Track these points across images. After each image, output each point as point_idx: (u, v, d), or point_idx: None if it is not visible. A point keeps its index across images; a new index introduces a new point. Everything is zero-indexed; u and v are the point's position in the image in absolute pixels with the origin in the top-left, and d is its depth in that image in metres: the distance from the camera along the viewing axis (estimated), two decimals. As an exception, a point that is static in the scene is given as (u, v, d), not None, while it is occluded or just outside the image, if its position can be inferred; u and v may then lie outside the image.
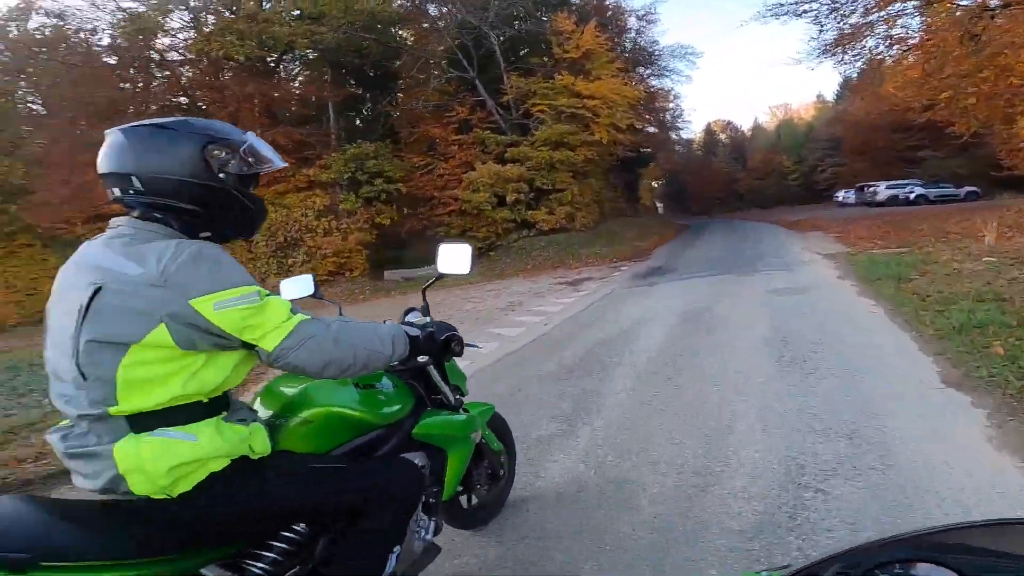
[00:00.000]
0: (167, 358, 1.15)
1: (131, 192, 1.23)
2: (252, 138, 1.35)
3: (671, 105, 38.35)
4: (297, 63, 21.69)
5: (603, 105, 19.07)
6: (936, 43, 13.75)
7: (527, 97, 19.87)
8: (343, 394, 1.61)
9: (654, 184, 52.12)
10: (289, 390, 1.59)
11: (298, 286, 2.08)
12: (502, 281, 14.30)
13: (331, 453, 1.54)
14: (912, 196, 25.83)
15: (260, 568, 1.36)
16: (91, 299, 1.13)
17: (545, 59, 20.89)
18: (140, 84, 17.18)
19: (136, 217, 1.25)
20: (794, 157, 47.70)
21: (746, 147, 56.22)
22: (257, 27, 17.30)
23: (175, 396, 1.16)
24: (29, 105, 19.94)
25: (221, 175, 1.27)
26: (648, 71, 32.22)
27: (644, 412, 3.64)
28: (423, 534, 1.75)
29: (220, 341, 1.19)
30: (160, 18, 17.56)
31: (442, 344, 1.69)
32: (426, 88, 20.06)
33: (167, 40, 17.82)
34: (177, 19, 17.93)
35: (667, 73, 32.61)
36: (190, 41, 16.96)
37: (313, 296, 2.09)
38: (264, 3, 18.84)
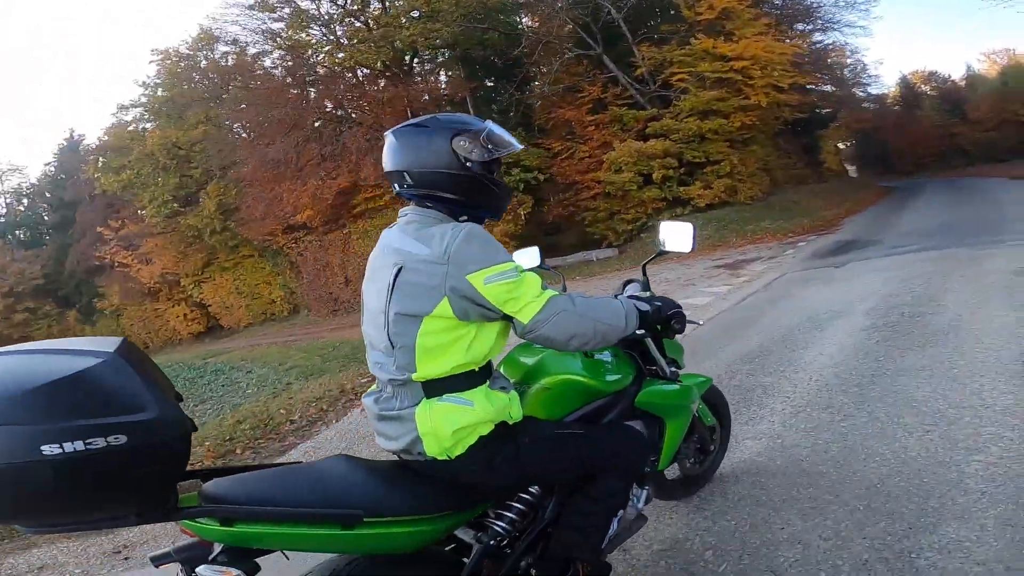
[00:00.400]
0: (449, 328, 1.30)
1: (406, 186, 1.41)
2: (490, 125, 1.44)
3: (849, 60, 32.23)
4: (428, 63, 21.95)
5: (755, 65, 16.13)
6: None
7: (663, 67, 17.65)
8: (574, 363, 1.67)
9: (840, 146, 44.76)
10: (528, 359, 1.67)
11: (527, 257, 2.09)
12: (651, 267, 12.69)
13: (564, 419, 1.62)
14: None
15: (501, 527, 1.51)
16: (395, 277, 1.31)
17: (678, 25, 18.32)
18: (302, 100, 18.56)
19: (417, 205, 1.43)
20: (1033, 103, 37.38)
21: (962, 97, 45.46)
22: (379, 31, 17.63)
23: (457, 364, 1.32)
24: (233, 129, 22.85)
25: (468, 164, 1.38)
26: (811, 26, 27.10)
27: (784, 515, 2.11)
28: (636, 502, 1.76)
29: (487, 312, 1.31)
30: (301, 34, 18.75)
31: (665, 320, 1.68)
32: (551, 72, 18.88)
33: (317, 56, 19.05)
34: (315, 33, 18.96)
35: (834, 26, 27.13)
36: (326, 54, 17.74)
37: (540, 267, 2.08)
38: (387, 8, 19.00)
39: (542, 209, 18.59)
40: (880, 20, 28.63)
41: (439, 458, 1.32)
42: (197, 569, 1.15)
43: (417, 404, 1.32)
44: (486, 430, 1.34)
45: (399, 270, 1.31)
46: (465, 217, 1.41)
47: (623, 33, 18.56)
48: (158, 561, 1.15)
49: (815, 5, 26.89)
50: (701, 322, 2.64)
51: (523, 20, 20.92)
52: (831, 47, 29.13)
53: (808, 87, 25.25)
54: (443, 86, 21.67)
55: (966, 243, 7.15)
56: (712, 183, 16.52)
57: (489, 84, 21.67)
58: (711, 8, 17.44)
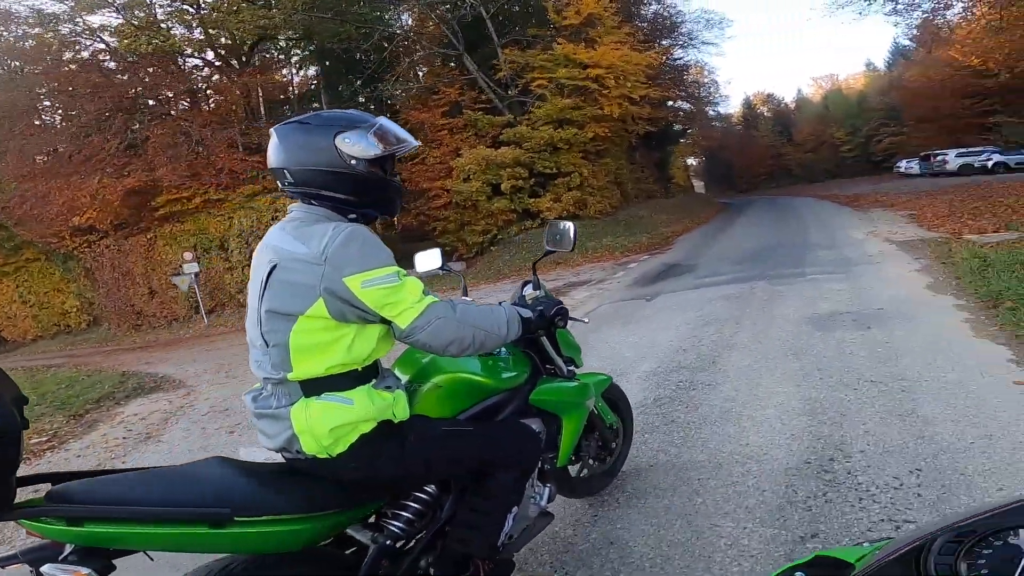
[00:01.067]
0: (326, 328, 1.25)
1: (287, 183, 1.34)
2: (381, 121, 1.37)
3: (705, 80, 34.64)
4: (282, 55, 19.50)
5: (610, 75, 15.98)
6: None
7: (525, 72, 16.98)
8: (468, 362, 1.65)
9: (690, 162, 48.14)
10: (423, 357, 1.63)
11: (428, 259, 2.08)
12: (490, 286, 11.72)
13: (458, 417, 1.59)
14: (990, 164, 22.72)
15: (397, 526, 1.47)
16: (268, 275, 1.27)
17: (545, 29, 17.83)
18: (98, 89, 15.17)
19: (303, 202, 1.36)
20: (846, 128, 43.04)
21: (791, 120, 51.15)
22: (211, 16, 15.10)
23: (337, 364, 1.27)
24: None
25: (353, 161, 1.31)
26: (671, 42, 28.48)
27: None
28: (538, 500, 1.77)
29: (365, 315, 1.27)
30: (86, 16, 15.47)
31: (549, 320, 1.69)
32: (405, 69, 17.47)
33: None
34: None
35: (693, 43, 28.81)
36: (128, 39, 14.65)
37: (441, 269, 2.09)
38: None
39: (391, 218, 17.05)
40: (733, 40, 30.64)
41: (319, 456, 1.28)
42: (42, 568, 1.08)
43: (294, 403, 1.29)
44: (367, 428, 1.30)
45: (273, 268, 1.27)
46: (354, 216, 1.36)
47: (489, 35, 17.59)
48: (3, 562, 1.07)
49: (679, 21, 28.27)
50: (586, 320, 2.53)
51: (395, 15, 19.09)
52: (690, 64, 30.96)
53: (666, 102, 26.43)
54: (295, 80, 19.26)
55: (768, 275, 6.88)
56: (562, 196, 16.08)
57: (354, 80, 19.52)
58: (577, 13, 17.03)
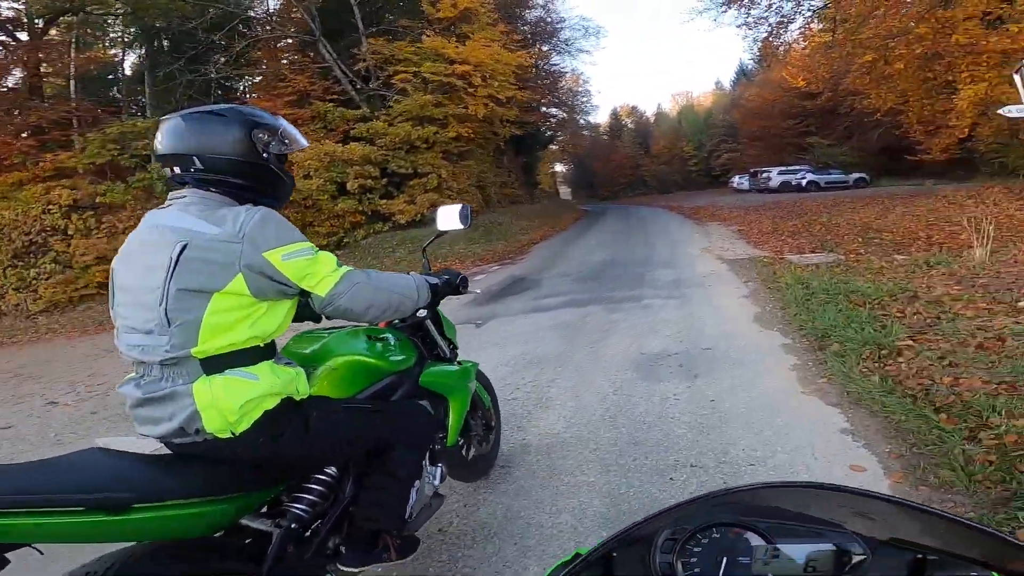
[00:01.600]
0: (240, 306, 1.26)
1: (191, 170, 1.33)
2: (283, 123, 1.45)
3: (579, 88, 35.43)
4: (92, 31, 15.88)
5: (477, 73, 15.13)
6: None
7: (388, 64, 15.51)
8: (360, 345, 1.70)
9: (558, 168, 49.42)
10: (308, 348, 1.65)
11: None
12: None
13: (354, 397, 1.62)
14: (804, 182, 25.02)
15: (300, 509, 1.44)
16: (179, 254, 1.23)
17: (417, 22, 16.47)
18: None
19: (197, 188, 1.34)
20: (694, 143, 46.89)
21: (650, 132, 54.79)
22: None
23: (241, 340, 1.27)
24: None
25: (264, 155, 1.38)
26: (549, 47, 28.57)
27: None
28: (431, 479, 1.82)
29: (284, 288, 1.31)
30: None
31: (455, 287, 1.83)
32: (252, 54, 15.16)
33: None
34: None
35: (569, 50, 29.15)
36: None
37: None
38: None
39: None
40: (606, 50, 31.34)
41: (220, 436, 1.24)
42: None
43: (194, 380, 1.25)
44: (271, 404, 1.30)
45: (184, 247, 1.24)
46: (250, 204, 1.35)
47: (353, 22, 15.73)
48: None
49: (560, 27, 28.21)
50: (478, 291, 2.57)
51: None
52: (565, 72, 31.18)
53: (537, 106, 26.30)
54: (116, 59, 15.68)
55: (606, 297, 6.36)
56: (417, 197, 14.86)
57: (179, 59, 16.36)
58: (453, 6, 15.79)
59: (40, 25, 13.23)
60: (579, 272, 8.64)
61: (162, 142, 1.34)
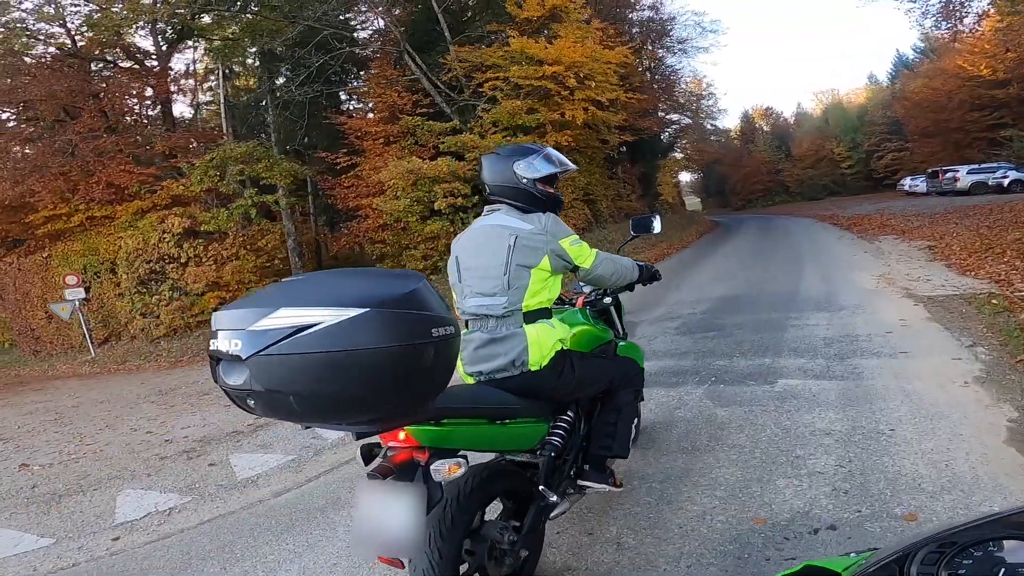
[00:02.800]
0: (543, 278, 1.90)
1: (488, 193, 2.04)
2: (545, 151, 2.05)
3: (703, 92, 32.00)
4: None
5: (571, 74, 13.29)
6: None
7: (478, 72, 14.32)
8: (586, 320, 2.31)
9: (685, 178, 45.38)
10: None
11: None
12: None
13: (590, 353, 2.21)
14: (1006, 182, 19.79)
15: (555, 443, 1.97)
16: (515, 242, 1.86)
17: (504, 26, 15.12)
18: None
19: (505, 203, 2.01)
20: (847, 143, 40.21)
21: (790, 135, 48.24)
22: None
23: (542, 301, 1.91)
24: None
25: (524, 181, 1.97)
26: (661, 48, 25.88)
27: None
28: (637, 421, 2.49)
29: (566, 265, 1.95)
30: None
31: (652, 274, 2.44)
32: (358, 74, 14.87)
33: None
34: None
35: (684, 48, 26.16)
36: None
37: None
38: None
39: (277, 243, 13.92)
40: (727, 48, 28.27)
41: (532, 368, 1.83)
42: (433, 466, 1.48)
43: (522, 326, 1.86)
44: (560, 347, 1.91)
45: (516, 237, 1.87)
46: (540, 212, 1.98)
47: (440, 32, 14.98)
48: (364, 447, 1.55)
49: (670, 27, 25.71)
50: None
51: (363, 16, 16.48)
52: (681, 73, 28.40)
53: (653, 111, 23.85)
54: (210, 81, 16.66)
55: (716, 370, 4.13)
56: (513, 214, 13.32)
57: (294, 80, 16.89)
58: (541, 4, 14.31)
59: (164, 48, 13.97)
60: (690, 314, 6.34)
61: (487, 171, 2.05)
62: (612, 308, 2.58)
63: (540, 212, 1.93)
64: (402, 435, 1.46)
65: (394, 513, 1.36)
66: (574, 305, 2.50)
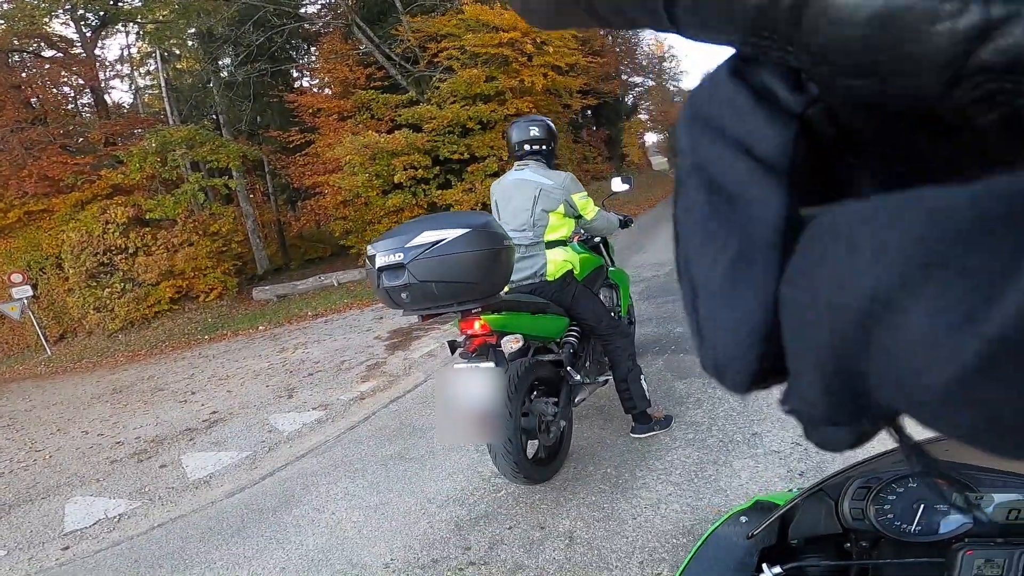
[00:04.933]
0: (560, 218, 2.57)
1: (527, 151, 2.63)
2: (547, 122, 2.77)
3: (666, 53, 31.46)
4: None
5: (528, 40, 12.75)
6: None
7: (434, 42, 13.62)
8: (586, 252, 2.90)
9: (649, 139, 45.20)
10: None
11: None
12: (349, 315, 8.76)
13: (589, 275, 2.84)
14: None
15: (570, 344, 2.68)
16: (539, 193, 2.51)
17: None
18: None
19: (532, 160, 2.64)
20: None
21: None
22: None
23: (559, 236, 2.59)
24: None
25: (551, 145, 2.67)
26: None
27: None
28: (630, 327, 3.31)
29: (574, 213, 2.61)
30: None
31: (628, 221, 3.09)
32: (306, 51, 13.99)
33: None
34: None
35: None
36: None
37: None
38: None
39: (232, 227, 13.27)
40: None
41: (549, 279, 2.53)
42: (503, 341, 2.17)
43: (543, 250, 2.55)
44: (568, 267, 2.60)
45: (540, 189, 2.51)
46: (556, 163, 2.74)
47: (391, 1, 14.11)
48: (450, 342, 2.29)
49: None
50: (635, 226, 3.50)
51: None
52: (646, 38, 27.77)
53: (615, 74, 23.31)
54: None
55: (685, 343, 4.03)
56: (476, 184, 12.98)
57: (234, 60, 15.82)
58: None
59: (89, 36, 12.91)
60: (653, 277, 6.27)
61: (513, 136, 2.67)
62: (602, 245, 3.18)
63: (558, 171, 2.59)
64: (477, 325, 2.12)
65: (476, 392, 2.07)
66: (574, 240, 3.09)
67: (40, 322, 12.28)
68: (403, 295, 1.92)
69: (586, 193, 2.61)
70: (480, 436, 2.20)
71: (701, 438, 2.61)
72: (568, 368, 2.57)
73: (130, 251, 11.16)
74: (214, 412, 5.10)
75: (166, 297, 11.78)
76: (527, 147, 2.62)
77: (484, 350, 2.13)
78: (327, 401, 4.73)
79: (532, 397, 2.36)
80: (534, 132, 2.61)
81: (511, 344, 2.15)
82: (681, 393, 3.09)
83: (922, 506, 0.60)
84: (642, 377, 2.65)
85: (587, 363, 2.80)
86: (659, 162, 46.76)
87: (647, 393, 2.66)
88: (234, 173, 12.58)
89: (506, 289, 2.49)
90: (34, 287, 12.09)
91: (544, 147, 2.62)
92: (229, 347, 8.47)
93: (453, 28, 13.13)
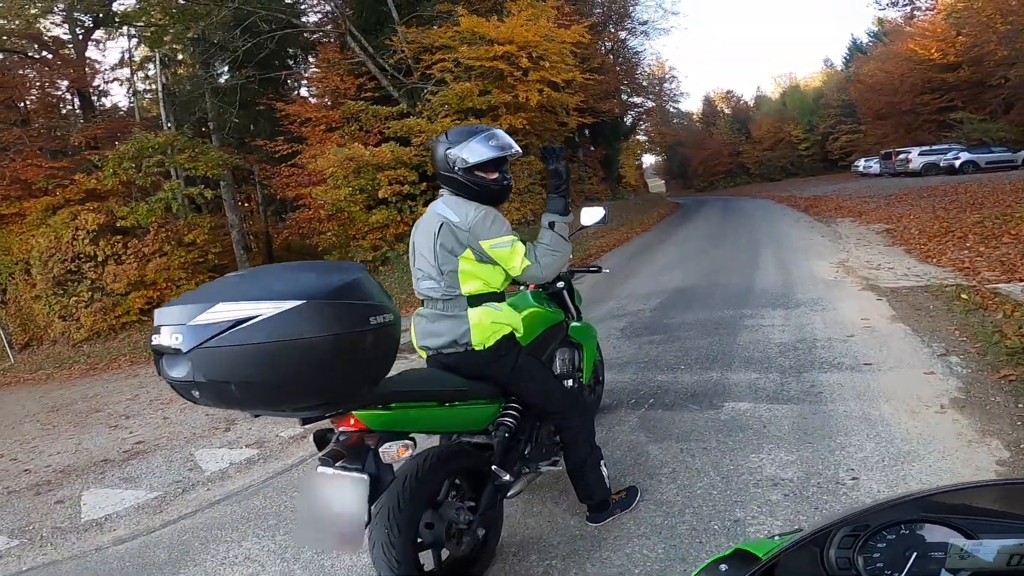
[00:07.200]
0: (475, 263, 1.84)
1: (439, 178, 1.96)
2: (474, 141, 1.85)
3: (665, 75, 31.36)
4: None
5: (524, 54, 12.38)
6: None
7: (428, 53, 13.25)
8: (537, 303, 2.28)
9: (646, 160, 44.98)
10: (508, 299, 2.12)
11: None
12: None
13: (538, 336, 2.16)
14: (958, 163, 19.78)
15: (507, 425, 1.98)
16: (439, 230, 1.84)
17: (456, 6, 13.99)
18: None
19: (449, 187, 1.94)
20: (804, 125, 40.36)
21: (750, 117, 48.17)
22: None
23: (484, 285, 1.86)
24: None
25: (457, 169, 1.85)
26: (624, 30, 25.06)
27: None
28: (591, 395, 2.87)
29: (494, 262, 1.88)
30: None
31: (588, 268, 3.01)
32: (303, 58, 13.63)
33: None
34: None
35: (645, 30, 25.42)
36: None
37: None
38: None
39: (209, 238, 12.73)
40: (687, 31, 27.85)
41: (477, 348, 1.83)
42: (381, 448, 1.50)
43: (465, 309, 1.85)
44: (506, 330, 1.88)
45: (441, 226, 1.83)
46: (479, 204, 1.87)
47: (387, 13, 13.77)
48: (318, 433, 1.62)
49: (632, 7, 24.85)
50: (607, 270, 3.19)
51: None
52: (643, 55, 27.68)
53: (614, 93, 23.05)
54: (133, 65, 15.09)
55: (661, 385, 3.46)
56: (465, 202, 12.43)
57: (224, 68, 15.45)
58: None
59: (80, 38, 12.53)
60: (638, 311, 5.68)
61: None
62: (564, 292, 2.62)
63: (476, 204, 1.85)
64: (352, 420, 1.51)
65: (338, 503, 1.42)
66: (527, 287, 2.52)
67: (6, 328, 11.70)
68: (194, 393, 1.25)
69: (511, 238, 1.82)
70: (348, 550, 1.67)
71: (671, 524, 2.05)
72: (495, 467, 1.88)
73: (99, 259, 10.60)
74: (139, 442, 4.52)
75: (135, 308, 11.18)
76: (443, 175, 1.91)
77: (359, 451, 1.48)
78: (264, 437, 4.15)
79: (443, 498, 1.76)
80: (454, 155, 1.86)
81: (395, 453, 1.51)
82: (655, 462, 2.52)
83: (914, 554, 0.58)
84: (602, 462, 2.09)
85: (528, 450, 2.11)
86: (656, 184, 46.52)
87: (607, 480, 2.10)
88: (221, 182, 12.10)
89: (422, 355, 1.99)
90: (3, 292, 11.53)
91: (463, 179, 1.86)
92: (188, 365, 7.86)
93: (448, 40, 12.77)
